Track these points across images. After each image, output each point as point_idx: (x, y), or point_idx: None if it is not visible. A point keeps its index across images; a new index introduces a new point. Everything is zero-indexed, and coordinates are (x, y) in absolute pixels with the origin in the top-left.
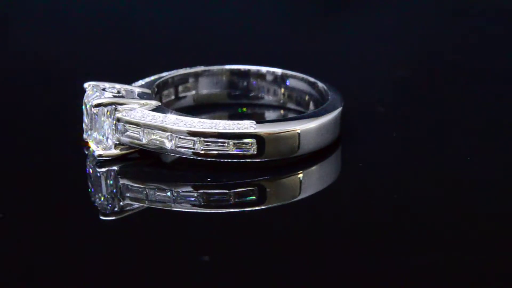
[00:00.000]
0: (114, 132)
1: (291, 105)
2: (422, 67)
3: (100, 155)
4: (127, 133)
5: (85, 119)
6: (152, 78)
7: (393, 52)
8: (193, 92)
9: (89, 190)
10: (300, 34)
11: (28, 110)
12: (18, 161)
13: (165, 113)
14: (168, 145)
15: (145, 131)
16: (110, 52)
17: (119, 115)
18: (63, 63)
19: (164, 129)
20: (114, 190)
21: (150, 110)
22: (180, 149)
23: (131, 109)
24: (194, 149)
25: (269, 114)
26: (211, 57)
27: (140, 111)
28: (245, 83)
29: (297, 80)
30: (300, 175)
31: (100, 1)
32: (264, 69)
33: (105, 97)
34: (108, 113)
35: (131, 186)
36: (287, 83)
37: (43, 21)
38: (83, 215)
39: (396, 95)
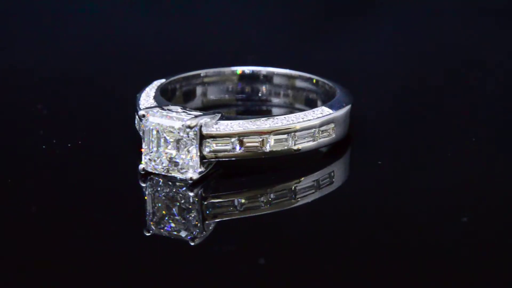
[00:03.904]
0: (199, 150)
1: (299, 105)
2: (427, 69)
3: (191, 178)
4: (214, 148)
5: (149, 146)
6: (160, 82)
7: (397, 56)
8: (201, 94)
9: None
10: (304, 36)
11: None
12: (92, 203)
13: (240, 120)
14: (267, 147)
15: (238, 140)
16: (109, 60)
17: (204, 132)
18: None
19: (259, 133)
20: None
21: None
22: (277, 149)
23: (210, 124)
24: (289, 145)
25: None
26: (214, 58)
27: (221, 123)
28: (252, 84)
29: (304, 80)
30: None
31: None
32: (270, 70)
33: (195, 118)
34: (195, 132)
35: (226, 201)
36: (294, 83)
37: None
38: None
39: (401, 98)
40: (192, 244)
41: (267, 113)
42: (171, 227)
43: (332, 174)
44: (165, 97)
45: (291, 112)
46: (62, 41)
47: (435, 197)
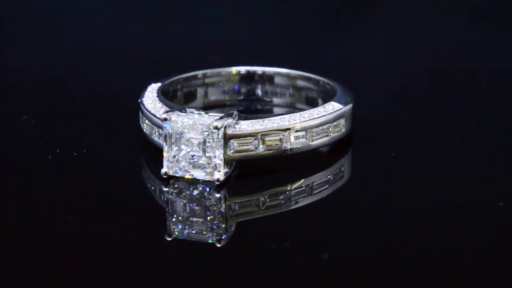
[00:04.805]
0: (223, 151)
1: (300, 105)
2: (427, 69)
3: (218, 179)
4: (237, 148)
5: (171, 150)
6: (157, 85)
7: (398, 56)
8: (202, 95)
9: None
10: (304, 36)
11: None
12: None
13: (256, 119)
14: (288, 145)
15: (260, 139)
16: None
17: (227, 132)
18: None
19: (280, 130)
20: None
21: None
22: (296, 146)
23: (232, 125)
24: (307, 142)
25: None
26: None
27: (241, 123)
28: (252, 84)
29: (304, 80)
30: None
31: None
32: (271, 69)
33: (220, 119)
34: (220, 133)
35: (249, 201)
36: (295, 83)
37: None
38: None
39: (401, 97)
40: (219, 245)
41: (269, 113)
42: (197, 229)
43: (343, 169)
44: (166, 99)
45: (292, 112)
46: (61, 42)
47: (442, 193)
